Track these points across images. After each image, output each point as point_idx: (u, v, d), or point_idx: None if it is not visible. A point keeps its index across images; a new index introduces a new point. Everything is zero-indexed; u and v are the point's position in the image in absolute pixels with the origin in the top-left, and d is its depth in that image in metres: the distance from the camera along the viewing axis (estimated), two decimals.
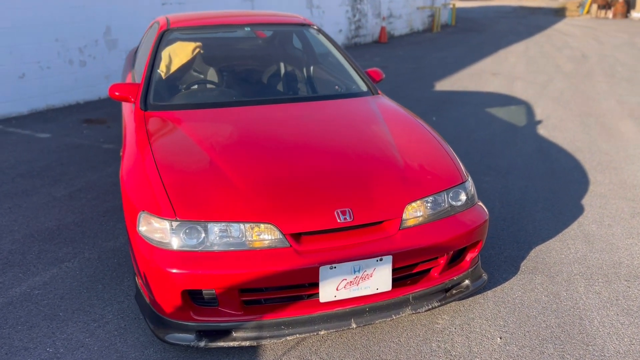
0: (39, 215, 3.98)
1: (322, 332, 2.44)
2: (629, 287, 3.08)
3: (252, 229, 2.37)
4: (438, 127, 6.35)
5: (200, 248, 2.33)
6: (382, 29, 15.53)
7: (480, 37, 16.85)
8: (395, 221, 2.52)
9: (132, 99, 3.47)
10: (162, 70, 4.19)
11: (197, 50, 4.49)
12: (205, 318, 2.39)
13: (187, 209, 2.39)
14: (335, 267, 2.35)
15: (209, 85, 3.82)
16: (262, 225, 2.38)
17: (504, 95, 8.35)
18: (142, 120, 3.19)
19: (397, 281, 2.59)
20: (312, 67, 4.22)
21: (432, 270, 2.68)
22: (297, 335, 2.41)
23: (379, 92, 3.80)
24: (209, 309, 2.41)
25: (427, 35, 17.49)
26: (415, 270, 2.62)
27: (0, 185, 4.57)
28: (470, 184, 2.84)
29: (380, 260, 2.41)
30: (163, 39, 3.90)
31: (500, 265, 3.31)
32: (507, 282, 3.12)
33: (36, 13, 6.98)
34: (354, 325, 2.47)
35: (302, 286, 2.41)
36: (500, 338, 2.66)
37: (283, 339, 2.40)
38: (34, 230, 3.75)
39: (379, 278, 2.44)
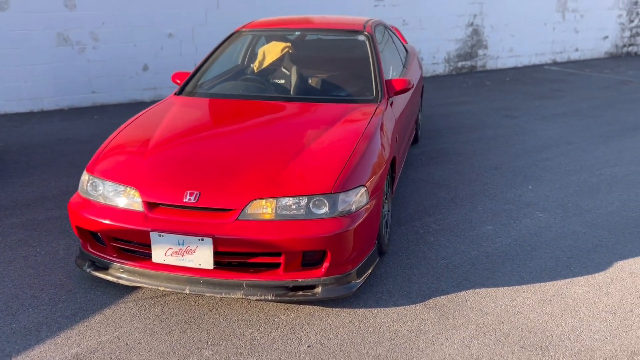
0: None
1: (162, 289, 2.94)
2: None
3: (129, 192, 3.00)
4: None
5: (93, 198, 3.08)
6: None
7: None
8: (236, 212, 2.82)
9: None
10: (255, 66, 4.97)
11: (286, 49, 5.13)
12: (94, 252, 3.14)
13: (99, 168, 3.16)
14: (162, 236, 2.82)
15: (244, 79, 4.45)
16: (133, 191, 2.98)
17: None
18: (164, 101, 4.04)
19: (233, 266, 2.90)
20: (339, 72, 4.41)
21: (280, 267, 2.87)
22: (144, 285, 2.97)
23: (384, 100, 3.85)
24: (100, 246, 3.14)
25: None
26: (252, 260, 2.87)
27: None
28: (348, 197, 2.87)
29: (202, 240, 2.77)
30: (230, 38, 4.65)
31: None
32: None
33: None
34: (187, 291, 2.89)
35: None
36: (309, 346, 2.71)
37: (133, 285, 2.99)
38: None
39: (201, 255, 2.80)
